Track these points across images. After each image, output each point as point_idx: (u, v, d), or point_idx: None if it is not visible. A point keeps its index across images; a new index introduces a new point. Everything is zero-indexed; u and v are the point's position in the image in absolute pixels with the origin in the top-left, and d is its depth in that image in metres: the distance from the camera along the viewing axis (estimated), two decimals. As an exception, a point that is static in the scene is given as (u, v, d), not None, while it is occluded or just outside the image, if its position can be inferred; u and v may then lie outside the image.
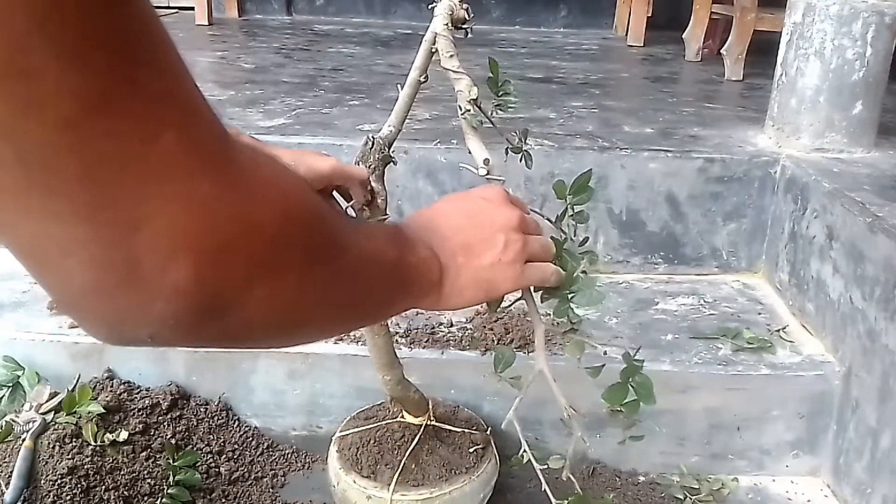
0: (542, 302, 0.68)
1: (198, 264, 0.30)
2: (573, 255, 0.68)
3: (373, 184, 0.83)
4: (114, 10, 0.25)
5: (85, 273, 0.28)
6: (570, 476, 0.71)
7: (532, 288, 0.67)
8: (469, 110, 0.76)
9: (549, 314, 0.68)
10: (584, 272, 0.67)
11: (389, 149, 0.83)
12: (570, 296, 0.66)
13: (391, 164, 0.84)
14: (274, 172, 0.35)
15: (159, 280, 0.29)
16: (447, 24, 0.80)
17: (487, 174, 0.74)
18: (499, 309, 0.66)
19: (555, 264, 0.65)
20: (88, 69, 0.25)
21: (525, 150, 0.81)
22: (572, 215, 0.75)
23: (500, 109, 0.80)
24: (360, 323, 0.49)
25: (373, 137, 0.83)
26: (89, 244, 0.28)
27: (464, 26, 0.83)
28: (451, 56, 0.78)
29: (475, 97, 0.76)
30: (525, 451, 0.79)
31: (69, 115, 0.25)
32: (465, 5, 0.82)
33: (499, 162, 0.78)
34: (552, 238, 0.66)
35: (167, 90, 0.28)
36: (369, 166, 0.82)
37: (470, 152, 0.76)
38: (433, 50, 0.80)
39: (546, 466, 0.76)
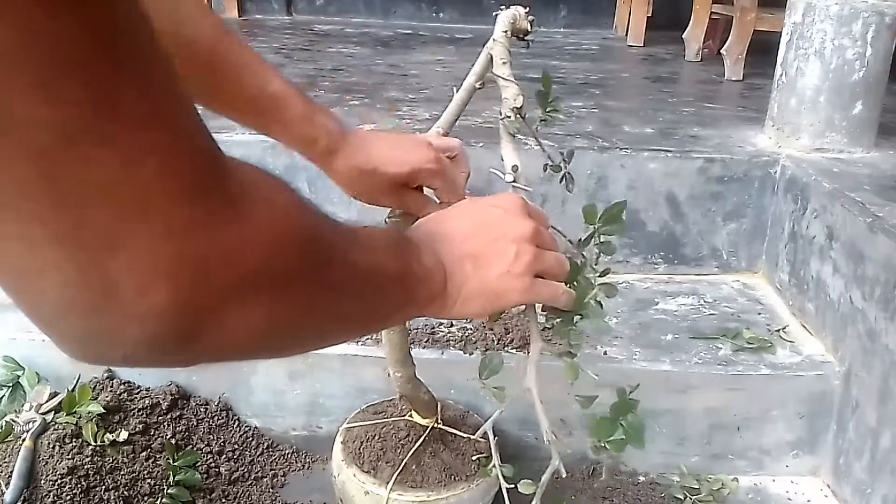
0: (545, 320, 0.67)
1: (176, 289, 0.29)
2: (589, 281, 0.66)
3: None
4: (95, 37, 0.24)
5: (59, 294, 0.27)
6: None
7: (542, 306, 0.66)
8: (510, 117, 0.75)
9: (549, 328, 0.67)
10: (599, 303, 0.66)
11: None
12: (575, 320, 0.64)
13: None
14: (266, 194, 0.34)
15: (136, 304, 0.28)
16: (506, 32, 0.79)
17: (514, 181, 0.73)
18: (498, 319, 0.65)
19: (568, 287, 0.63)
20: (63, 99, 0.24)
21: (567, 172, 0.79)
22: (598, 244, 0.73)
23: (546, 124, 0.79)
24: (359, 334, 0.49)
25: None
26: (64, 266, 0.27)
27: (525, 38, 0.82)
28: (504, 63, 0.78)
29: (520, 106, 0.75)
30: (496, 465, 0.78)
31: (43, 144, 0.24)
32: (530, 17, 0.81)
33: (536, 173, 0.77)
34: (570, 260, 0.64)
35: (152, 113, 0.27)
36: None
37: (502, 159, 0.76)
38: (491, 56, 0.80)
39: (514, 486, 0.75)
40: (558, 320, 0.65)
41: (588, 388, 0.71)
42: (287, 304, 0.36)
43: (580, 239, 0.75)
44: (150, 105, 0.27)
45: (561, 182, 0.79)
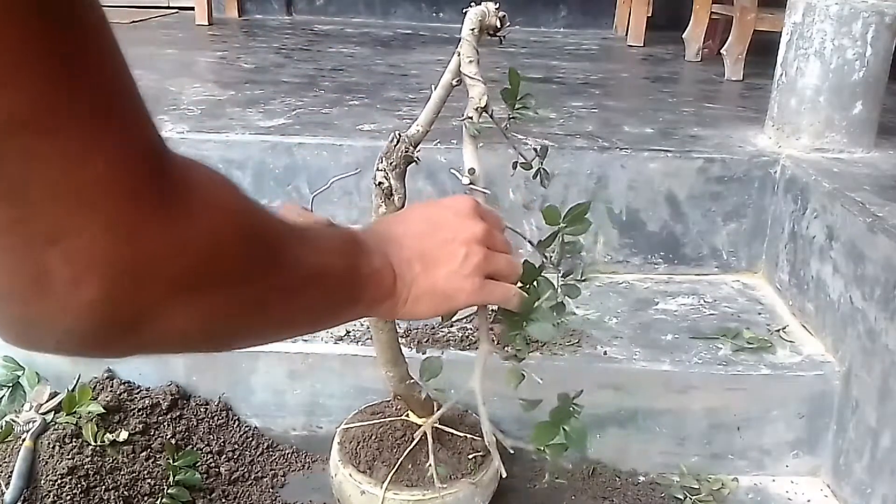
0: (492, 322, 0.66)
1: (112, 284, 0.29)
2: (550, 283, 0.66)
3: (392, 181, 0.83)
4: (46, 28, 0.24)
5: None
6: None
7: (497, 307, 0.65)
8: (471, 118, 0.75)
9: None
10: (562, 304, 0.65)
11: (415, 148, 0.83)
12: (524, 324, 0.63)
13: (413, 163, 0.84)
14: (211, 193, 0.34)
15: (70, 295, 0.28)
16: (473, 30, 0.78)
17: (471, 184, 0.72)
18: (450, 321, 0.64)
19: (526, 289, 0.62)
20: (11, 89, 0.24)
21: (542, 168, 0.78)
22: (563, 244, 0.72)
23: (517, 121, 0.78)
24: (303, 332, 0.48)
25: (399, 134, 0.83)
26: (0, 254, 0.27)
27: (497, 34, 0.81)
28: (471, 61, 0.77)
29: (483, 106, 0.75)
30: (430, 453, 0.78)
31: None
32: (500, 13, 0.81)
33: (507, 170, 0.77)
34: (527, 262, 0.64)
35: (102, 109, 0.27)
36: (391, 163, 0.82)
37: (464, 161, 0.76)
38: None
39: (435, 471, 0.74)
40: (506, 324, 0.64)
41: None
42: (226, 304, 0.36)
43: (539, 240, 0.74)
44: (98, 101, 0.27)
45: (535, 178, 0.79)
